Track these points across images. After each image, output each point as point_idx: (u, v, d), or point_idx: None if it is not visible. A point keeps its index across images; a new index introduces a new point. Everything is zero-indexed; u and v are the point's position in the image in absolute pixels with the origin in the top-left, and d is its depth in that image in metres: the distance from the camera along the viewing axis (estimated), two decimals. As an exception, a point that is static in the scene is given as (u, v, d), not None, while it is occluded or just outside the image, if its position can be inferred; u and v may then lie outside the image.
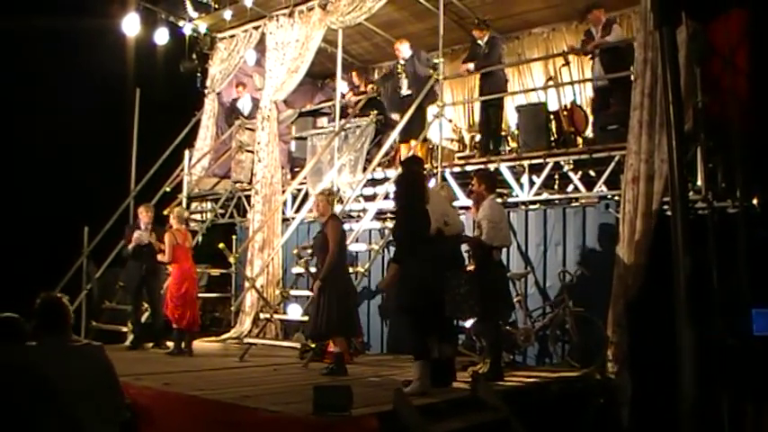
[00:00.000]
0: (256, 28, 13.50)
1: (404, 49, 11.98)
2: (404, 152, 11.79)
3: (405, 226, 6.96)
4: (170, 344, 10.26)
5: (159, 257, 10.42)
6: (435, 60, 11.79)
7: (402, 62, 12.00)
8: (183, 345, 10.01)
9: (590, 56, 10.90)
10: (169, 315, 10.03)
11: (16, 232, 13.76)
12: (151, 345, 10.83)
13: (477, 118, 13.17)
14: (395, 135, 11.35)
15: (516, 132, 11.40)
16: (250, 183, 13.02)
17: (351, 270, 9.28)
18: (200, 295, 12.50)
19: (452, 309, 7.46)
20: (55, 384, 4.37)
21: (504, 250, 9.35)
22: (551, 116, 10.71)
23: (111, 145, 14.12)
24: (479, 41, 11.56)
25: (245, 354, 9.61)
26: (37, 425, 4.31)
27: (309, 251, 10.41)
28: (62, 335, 4.72)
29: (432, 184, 9.82)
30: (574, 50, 11.47)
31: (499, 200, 10.28)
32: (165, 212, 11.89)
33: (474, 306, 7.81)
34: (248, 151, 13.41)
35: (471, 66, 11.49)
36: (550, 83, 12.22)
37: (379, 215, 11.10)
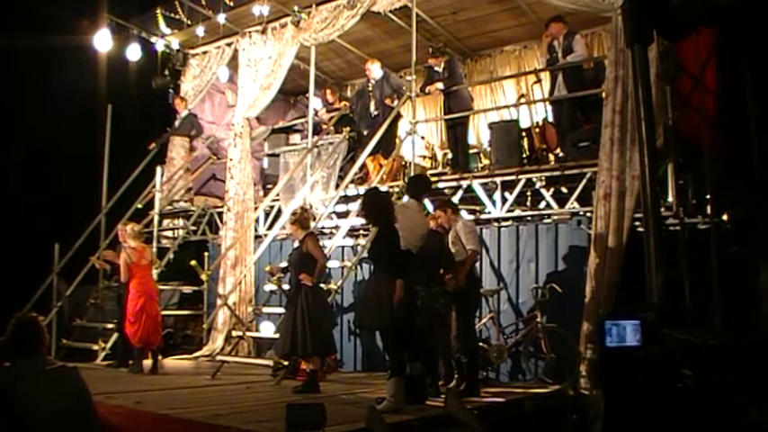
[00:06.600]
0: (229, 44, 13.50)
1: (374, 70, 12.00)
2: (370, 166, 11.80)
3: (390, 246, 6.95)
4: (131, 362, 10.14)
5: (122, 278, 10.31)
6: (404, 87, 11.75)
7: (372, 82, 12.02)
8: (140, 363, 9.90)
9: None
10: (127, 333, 9.94)
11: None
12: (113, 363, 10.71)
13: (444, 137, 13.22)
14: (367, 152, 11.34)
15: (489, 149, 11.45)
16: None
17: (324, 287, 9.24)
18: (171, 313, 12.48)
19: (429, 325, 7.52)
20: (26, 407, 4.32)
21: (477, 265, 9.38)
22: (523, 133, 10.77)
23: (83, 161, 14.01)
24: (436, 68, 11.58)
25: (218, 372, 9.51)
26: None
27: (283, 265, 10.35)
28: (36, 357, 4.66)
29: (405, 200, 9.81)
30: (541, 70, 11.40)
31: (472, 216, 10.34)
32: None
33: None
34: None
35: (440, 85, 11.48)
36: (522, 100, 12.29)
37: (352, 232, 11.07)
